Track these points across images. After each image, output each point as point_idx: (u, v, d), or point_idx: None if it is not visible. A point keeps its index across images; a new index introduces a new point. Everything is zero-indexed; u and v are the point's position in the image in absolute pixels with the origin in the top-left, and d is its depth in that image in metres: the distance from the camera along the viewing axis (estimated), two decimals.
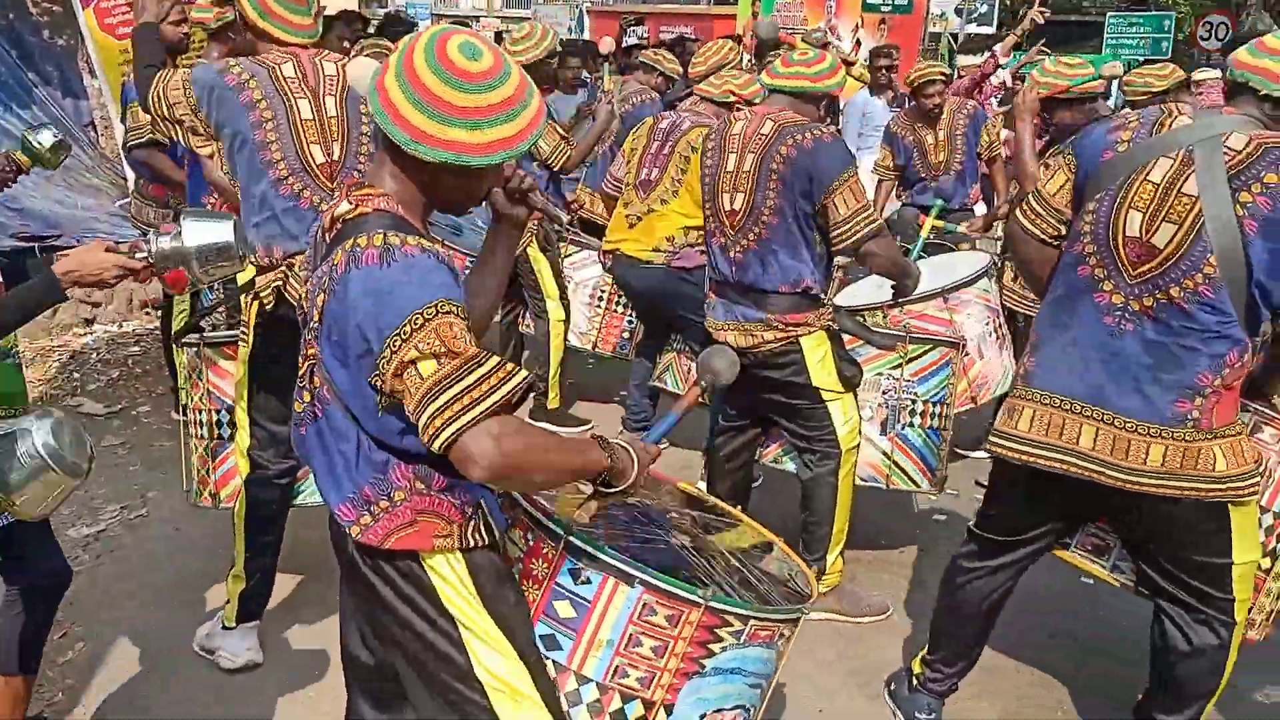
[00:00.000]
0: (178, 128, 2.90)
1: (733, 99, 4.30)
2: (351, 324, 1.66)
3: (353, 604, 1.97)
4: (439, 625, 1.82)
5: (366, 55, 4.65)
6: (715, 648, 1.94)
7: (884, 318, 4.00)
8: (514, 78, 1.71)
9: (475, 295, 2.00)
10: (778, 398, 3.47)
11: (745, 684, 2.02)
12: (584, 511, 1.90)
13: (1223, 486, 2.41)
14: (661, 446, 2.02)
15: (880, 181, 5.89)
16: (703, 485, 4.05)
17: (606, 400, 5.53)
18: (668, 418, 2.10)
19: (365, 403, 1.72)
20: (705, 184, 3.50)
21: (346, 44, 6.29)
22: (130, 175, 5.26)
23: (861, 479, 3.56)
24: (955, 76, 7.38)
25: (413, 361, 1.60)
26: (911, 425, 3.62)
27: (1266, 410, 2.70)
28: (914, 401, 3.60)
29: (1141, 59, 14.59)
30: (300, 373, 1.86)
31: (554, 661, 1.92)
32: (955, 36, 14.71)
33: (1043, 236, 2.62)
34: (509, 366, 1.64)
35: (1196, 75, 7.31)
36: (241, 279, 2.99)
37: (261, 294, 2.86)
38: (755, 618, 1.97)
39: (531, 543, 1.97)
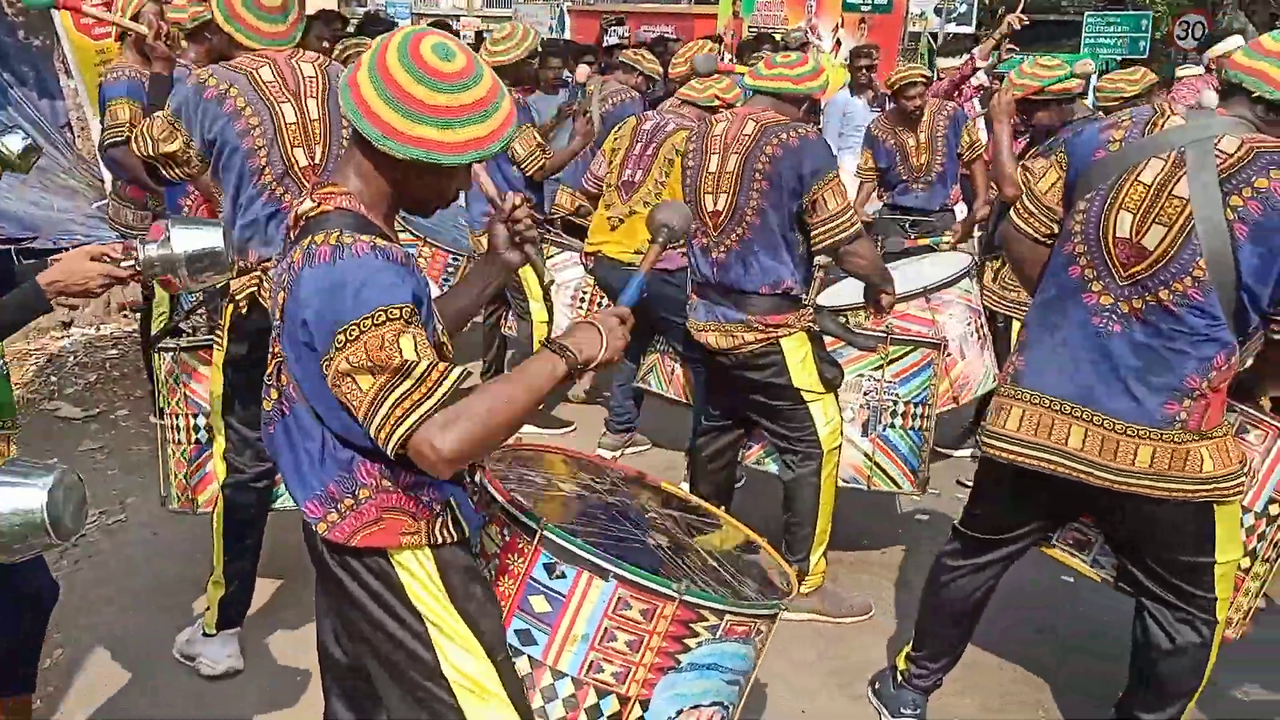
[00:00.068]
0: (169, 166, 2.88)
1: (717, 103, 4.30)
2: (301, 322, 1.68)
3: (325, 602, 1.98)
4: (407, 622, 1.83)
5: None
6: (691, 643, 1.94)
7: (866, 318, 4.00)
8: (486, 80, 1.72)
9: (444, 317, 1.99)
10: (759, 398, 3.47)
11: (722, 680, 2.01)
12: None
13: (1209, 487, 2.42)
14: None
15: (861, 183, 5.90)
16: (686, 486, 4.06)
17: (590, 401, 5.53)
18: (635, 279, 2.01)
19: (327, 401, 1.73)
20: (686, 185, 3.51)
21: (326, 44, 6.26)
22: (107, 177, 5.21)
23: (843, 480, 3.57)
24: (935, 78, 7.40)
25: (349, 374, 1.63)
26: (893, 426, 3.63)
27: (1253, 411, 2.72)
28: (895, 403, 3.61)
29: (1119, 58, 14.70)
30: (268, 371, 1.87)
31: (529, 656, 1.92)
32: (935, 36, 14.78)
33: (1035, 235, 2.62)
34: (440, 368, 1.64)
35: (1180, 72, 7.37)
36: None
37: (236, 298, 2.85)
38: (731, 613, 1.97)
39: (508, 538, 1.98)
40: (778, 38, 9.37)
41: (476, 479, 2.04)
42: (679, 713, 1.96)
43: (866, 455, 3.64)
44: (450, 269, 5.02)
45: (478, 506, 1.99)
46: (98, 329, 6.30)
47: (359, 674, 1.97)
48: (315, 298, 1.65)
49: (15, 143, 3.15)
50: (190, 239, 2.24)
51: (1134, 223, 2.37)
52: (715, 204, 3.36)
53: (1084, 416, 2.47)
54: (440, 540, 1.82)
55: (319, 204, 1.74)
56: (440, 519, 1.82)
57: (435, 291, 4.42)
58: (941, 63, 8.06)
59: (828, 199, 3.22)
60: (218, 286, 3.03)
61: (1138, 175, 2.38)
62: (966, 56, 7.29)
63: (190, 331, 3.54)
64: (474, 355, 5.85)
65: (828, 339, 3.53)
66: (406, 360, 1.62)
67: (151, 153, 2.87)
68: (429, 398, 1.62)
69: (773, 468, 3.70)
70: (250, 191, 2.82)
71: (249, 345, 2.86)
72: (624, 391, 4.79)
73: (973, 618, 2.88)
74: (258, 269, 2.82)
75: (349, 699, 2.05)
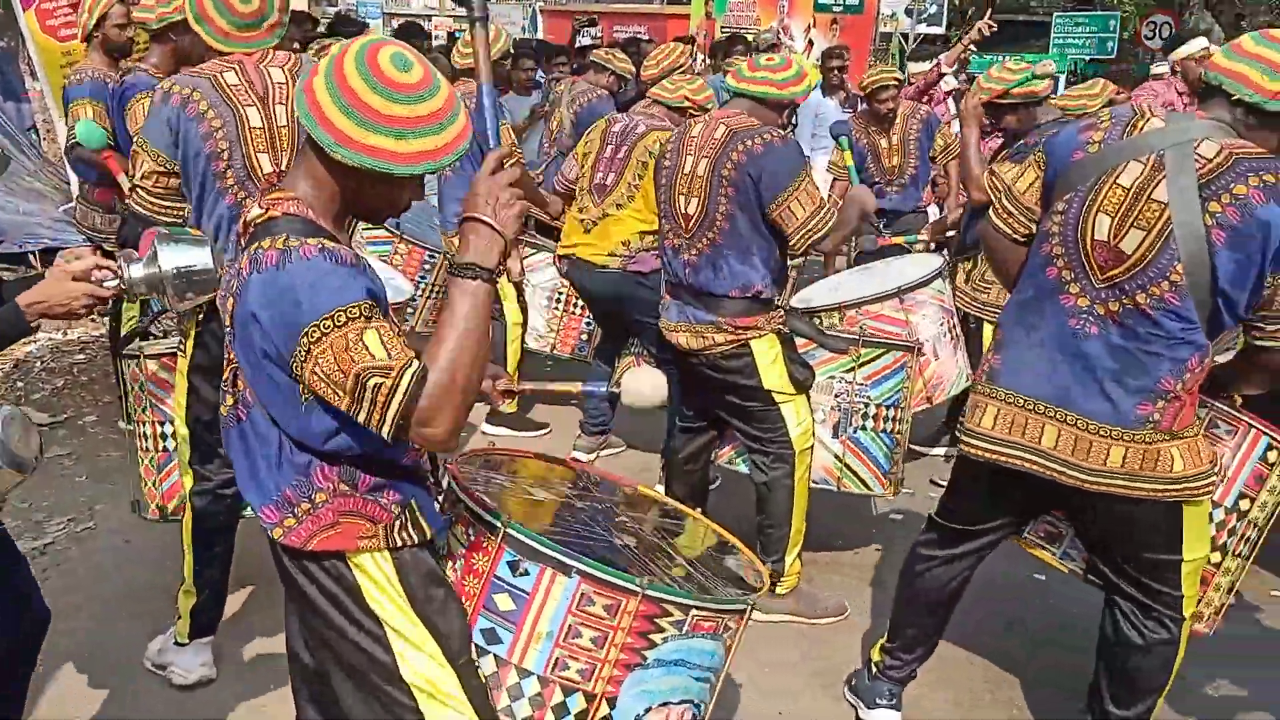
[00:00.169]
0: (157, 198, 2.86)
1: (687, 104, 4.30)
2: (253, 328, 1.67)
3: (290, 606, 1.97)
4: (365, 626, 1.83)
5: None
6: (657, 639, 1.94)
7: (840, 319, 4.02)
8: (443, 92, 1.71)
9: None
10: (731, 399, 3.48)
11: (691, 677, 2.01)
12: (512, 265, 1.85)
13: (1179, 487, 2.44)
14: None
15: (834, 180, 5.93)
16: (661, 488, 4.06)
17: (564, 403, 5.51)
18: (485, 118, 1.95)
19: (281, 405, 1.73)
20: (661, 184, 3.51)
21: (297, 45, 6.21)
22: (74, 180, 5.15)
23: (813, 481, 3.57)
24: (906, 82, 7.46)
25: (324, 378, 1.64)
26: (864, 429, 3.64)
27: (1224, 407, 2.75)
28: (867, 405, 3.62)
29: (1088, 58, 14.85)
30: (224, 376, 1.87)
31: (495, 655, 1.92)
32: (906, 37, 14.85)
33: (1013, 235, 2.64)
34: (400, 362, 1.63)
35: (1155, 70, 7.43)
36: None
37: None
38: (696, 607, 1.97)
39: (473, 537, 1.98)
40: (750, 38, 9.38)
41: (443, 481, 2.04)
42: (647, 710, 1.96)
43: (837, 457, 3.65)
44: (426, 265, 5.01)
45: (444, 508, 1.99)
46: (65, 333, 6.22)
47: (325, 678, 1.97)
48: (267, 303, 1.65)
49: None
50: (178, 256, 2.17)
51: (1112, 226, 2.38)
52: (687, 207, 3.37)
53: (1058, 416, 2.48)
54: (400, 543, 1.82)
55: (267, 210, 1.74)
56: (400, 521, 1.82)
57: (408, 288, 4.40)
58: (912, 67, 8.10)
59: (795, 209, 3.22)
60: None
61: (1116, 178, 2.39)
62: (934, 62, 7.34)
63: (161, 335, 3.49)
64: None
65: (799, 341, 3.54)
66: (377, 360, 1.62)
67: (136, 181, 2.85)
68: (394, 394, 1.62)
69: (744, 468, 3.71)
70: (213, 196, 2.78)
71: (211, 352, 2.83)
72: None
73: (947, 608, 2.90)
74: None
75: (317, 703, 2.05)
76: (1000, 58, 7.12)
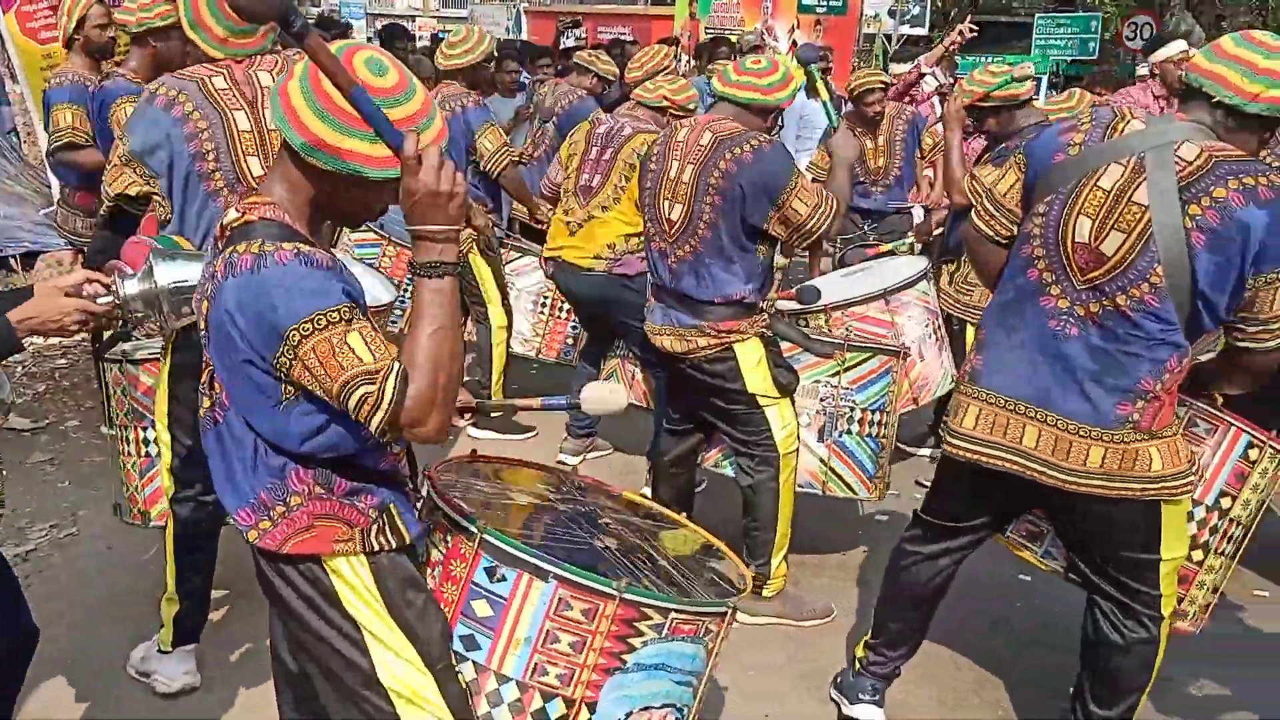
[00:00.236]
0: (132, 203, 2.85)
1: (666, 104, 4.30)
2: (230, 332, 1.68)
3: (273, 610, 1.97)
4: (343, 630, 1.84)
5: None
6: (636, 643, 1.94)
7: (826, 320, 4.03)
8: (418, 97, 1.72)
9: None
10: (715, 402, 3.49)
11: (673, 681, 2.01)
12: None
13: (1158, 486, 2.46)
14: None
15: (813, 179, 5.94)
16: (647, 491, 4.06)
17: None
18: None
19: (256, 408, 1.73)
20: (647, 187, 3.50)
21: (279, 46, 6.17)
22: (55, 184, 5.11)
23: (798, 485, 3.57)
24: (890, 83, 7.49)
25: (313, 380, 1.66)
26: (849, 433, 3.64)
27: (1204, 406, 2.77)
28: (852, 409, 3.62)
29: (1070, 59, 14.92)
30: (202, 379, 1.88)
31: (474, 662, 1.93)
32: (889, 38, 14.90)
33: (995, 237, 2.65)
34: (382, 369, 1.65)
35: (1141, 71, 7.47)
36: None
37: None
38: (676, 610, 1.97)
39: (451, 544, 1.98)
40: (733, 39, 9.40)
41: (422, 487, 2.04)
42: (628, 715, 1.96)
43: (822, 461, 3.65)
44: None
45: (424, 513, 1.99)
46: (46, 338, 6.17)
47: (308, 682, 1.97)
48: (243, 307, 1.65)
49: None
50: (174, 271, 2.13)
51: (1093, 228, 2.39)
52: (671, 212, 3.37)
53: (1039, 417, 2.50)
54: (376, 547, 1.83)
55: (243, 214, 1.74)
56: (377, 526, 1.83)
57: (390, 293, 4.38)
58: (894, 68, 8.17)
59: (798, 206, 3.22)
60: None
61: (1097, 180, 2.40)
62: (915, 62, 7.38)
63: (146, 336, 3.46)
64: None
65: (785, 344, 3.54)
66: (363, 363, 1.64)
67: (111, 196, 2.84)
68: (381, 402, 1.65)
69: (730, 471, 3.71)
70: (201, 198, 2.77)
71: (193, 357, 2.81)
72: None
73: (930, 604, 2.92)
74: None
75: (300, 707, 2.05)
76: (983, 59, 7.16)
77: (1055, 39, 14.19)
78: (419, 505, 2.00)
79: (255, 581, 1.95)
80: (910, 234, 5.49)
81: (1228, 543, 2.82)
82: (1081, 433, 2.45)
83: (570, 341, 5.12)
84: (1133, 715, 2.72)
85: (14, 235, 6.17)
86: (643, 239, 3.70)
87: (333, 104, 1.65)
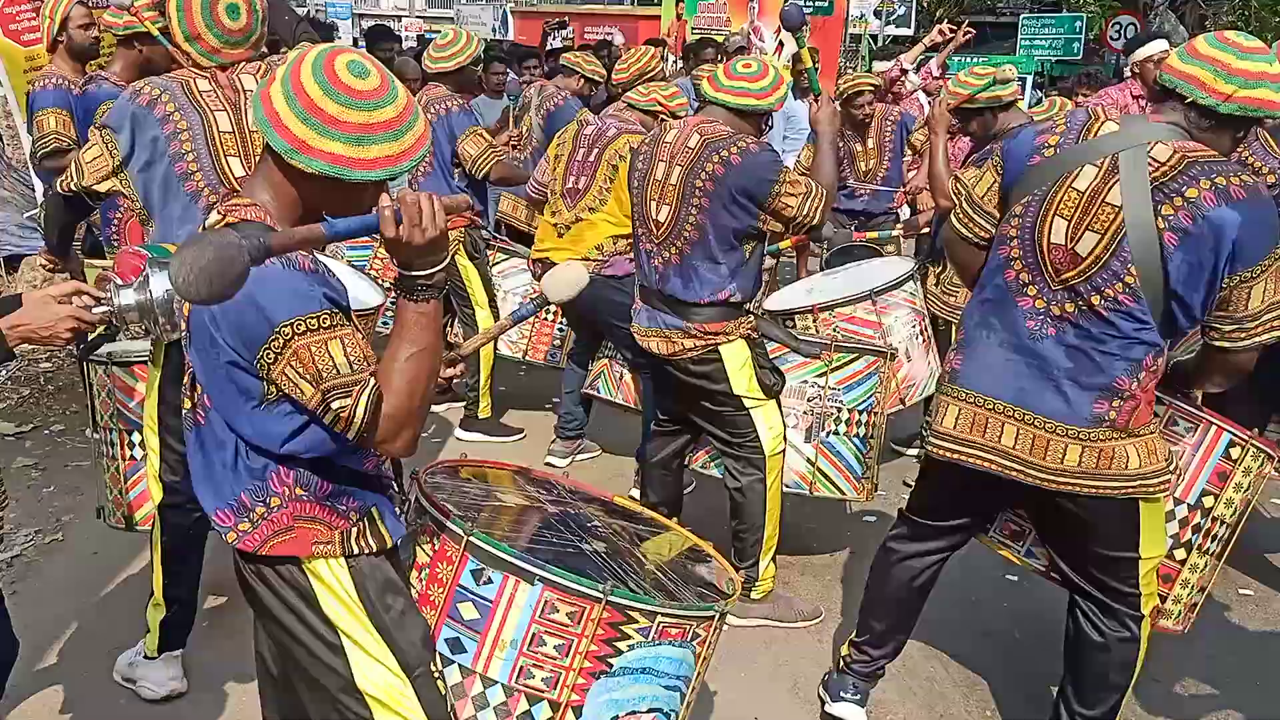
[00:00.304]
0: (96, 197, 2.84)
1: (658, 108, 4.30)
2: (211, 333, 1.69)
3: (254, 613, 1.98)
4: (320, 634, 1.84)
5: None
6: (622, 646, 1.94)
7: (814, 320, 4.04)
8: (400, 100, 1.73)
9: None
10: (702, 404, 3.49)
11: (660, 685, 2.01)
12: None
13: (1135, 484, 2.48)
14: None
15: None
16: (635, 492, 4.06)
17: (538, 408, 5.50)
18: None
19: (236, 409, 1.74)
20: (634, 189, 3.51)
21: (264, 48, 6.15)
22: (38, 186, 5.08)
23: (786, 486, 3.58)
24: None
25: (292, 382, 1.67)
26: (837, 433, 3.65)
27: (1183, 405, 2.78)
28: (839, 410, 3.63)
29: (1055, 59, 14.98)
30: (184, 380, 1.88)
31: (460, 665, 1.93)
32: (875, 38, 14.94)
33: (974, 239, 2.66)
34: (357, 386, 1.67)
35: (1128, 71, 7.51)
36: None
37: None
38: (662, 614, 1.97)
39: (438, 546, 1.98)
40: (720, 39, 9.39)
41: (407, 490, 2.04)
42: (614, 719, 1.96)
43: (809, 461, 3.66)
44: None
45: (409, 517, 1.99)
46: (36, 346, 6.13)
47: (290, 686, 1.97)
48: (226, 309, 1.65)
49: None
50: (168, 280, 2.15)
51: (1068, 229, 2.41)
52: (659, 213, 3.37)
53: (1017, 416, 2.52)
54: (357, 550, 1.83)
55: (224, 216, 1.74)
56: (358, 528, 1.83)
57: (376, 297, 4.38)
58: (877, 67, 8.21)
59: (788, 200, 3.23)
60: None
61: (1072, 182, 2.42)
62: (894, 60, 7.42)
63: (130, 339, 3.44)
64: None
65: (772, 345, 3.54)
66: (340, 375, 1.66)
67: (79, 185, 2.82)
68: (354, 418, 1.67)
69: (717, 472, 3.72)
70: (180, 200, 2.77)
71: (182, 361, 2.80)
72: (573, 398, 4.78)
73: (914, 603, 2.93)
74: None
75: (283, 709, 2.05)
76: (969, 60, 7.19)
77: (1040, 39, 14.26)
78: (405, 508, 2.00)
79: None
80: (897, 226, 5.51)
81: (1212, 542, 2.83)
82: (1059, 431, 2.47)
83: (557, 343, 5.12)
84: (1116, 714, 2.74)
85: None
86: (630, 242, 3.70)
87: (315, 106, 1.66)
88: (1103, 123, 2.45)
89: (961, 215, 2.69)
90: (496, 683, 1.92)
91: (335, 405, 1.66)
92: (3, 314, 2.04)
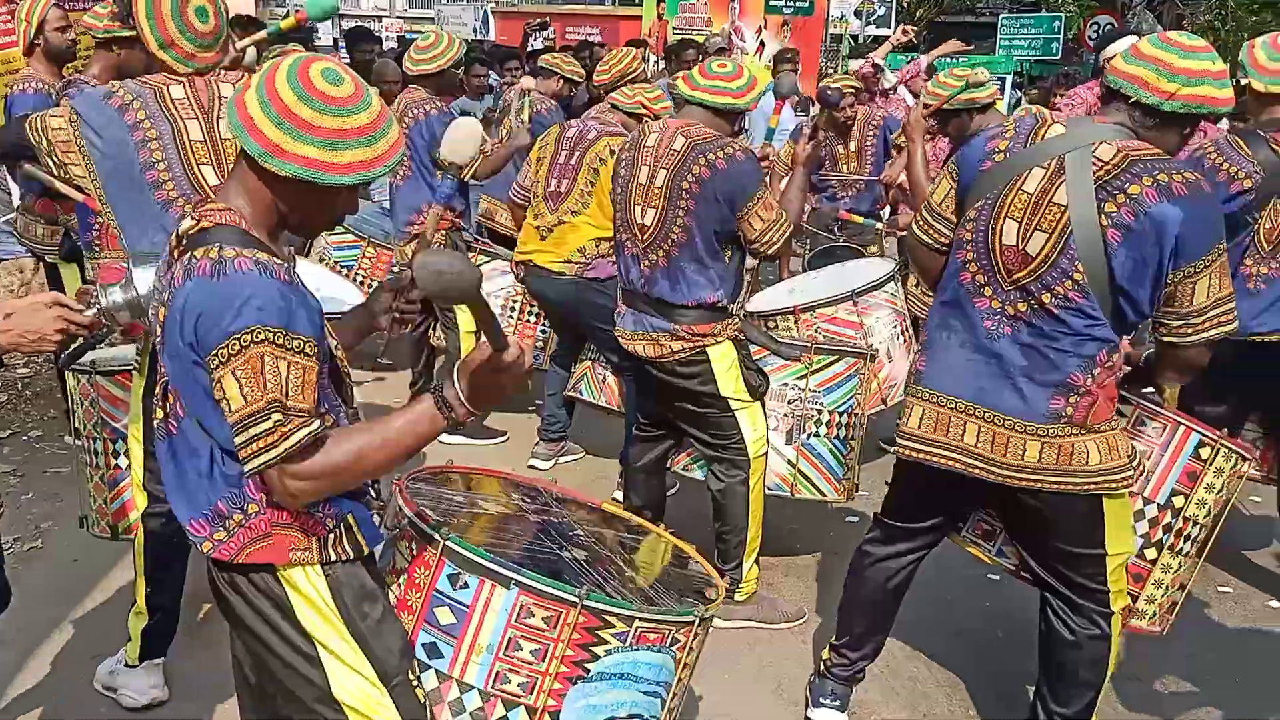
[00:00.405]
0: (53, 154, 2.81)
1: (643, 111, 4.30)
2: (181, 337, 1.68)
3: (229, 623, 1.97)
4: (295, 644, 1.83)
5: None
6: (599, 651, 1.94)
7: (795, 321, 4.05)
8: (374, 107, 1.75)
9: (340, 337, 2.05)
10: (687, 406, 3.49)
11: (639, 691, 2.01)
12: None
13: (1097, 480, 2.51)
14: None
15: (773, 174, 6.00)
16: (619, 494, 4.06)
17: (521, 410, 5.49)
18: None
19: (211, 414, 1.73)
20: (617, 194, 3.51)
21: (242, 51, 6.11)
22: (14, 190, 5.04)
23: (768, 488, 3.59)
24: None
25: (225, 385, 1.65)
26: (818, 435, 3.66)
27: (1150, 404, 2.81)
28: (820, 411, 3.65)
29: (1034, 59, 15.07)
30: (155, 391, 1.87)
31: (436, 670, 1.92)
32: (856, 38, 14.99)
33: (933, 245, 2.71)
34: (299, 420, 1.66)
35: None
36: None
37: None
38: (639, 618, 1.97)
39: (415, 552, 1.98)
40: (700, 40, 9.41)
41: (385, 497, 2.03)
42: None
43: (790, 463, 3.67)
44: (395, 268, 4.97)
45: (387, 523, 1.99)
46: (26, 354, 6.06)
47: (269, 697, 1.97)
48: (193, 312, 1.66)
49: None
50: (153, 276, 2.12)
51: (1019, 230, 2.47)
52: (644, 217, 3.37)
53: (978, 414, 2.56)
54: (333, 557, 1.82)
55: (198, 221, 1.75)
56: (334, 535, 1.82)
57: (354, 297, 4.32)
58: (851, 65, 8.26)
59: (754, 221, 3.24)
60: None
61: (1021, 184, 2.47)
62: (865, 58, 7.45)
63: (108, 345, 3.42)
64: (402, 365, 5.79)
65: (753, 348, 3.55)
66: (275, 397, 1.64)
67: (48, 146, 2.79)
68: (283, 441, 1.65)
69: (699, 474, 3.72)
70: (154, 207, 2.75)
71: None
72: (556, 400, 4.78)
73: (891, 605, 2.95)
74: None
75: (260, 716, 2.04)
76: (950, 60, 7.22)
77: (1019, 39, 14.35)
78: (385, 514, 2.00)
79: None
80: (880, 224, 5.53)
81: (1186, 542, 2.85)
82: (1018, 428, 2.51)
83: (539, 345, 5.11)
84: (1092, 712, 2.76)
85: None
86: (613, 244, 3.70)
87: (289, 111, 1.68)
88: (1050, 126, 2.51)
89: (921, 222, 2.74)
90: (473, 688, 1.92)
91: (275, 418, 1.64)
92: None
